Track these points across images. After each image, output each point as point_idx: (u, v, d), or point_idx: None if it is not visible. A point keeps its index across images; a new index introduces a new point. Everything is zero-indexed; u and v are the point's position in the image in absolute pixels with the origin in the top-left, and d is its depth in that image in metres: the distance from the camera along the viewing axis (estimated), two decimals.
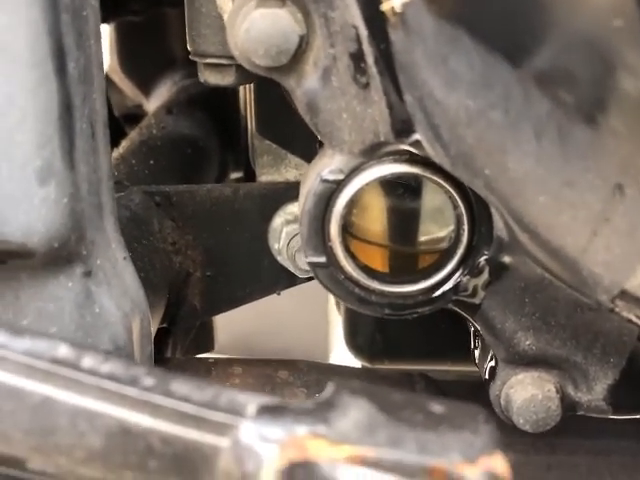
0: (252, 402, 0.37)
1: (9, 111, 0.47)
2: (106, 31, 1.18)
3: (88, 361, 0.39)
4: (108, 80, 1.18)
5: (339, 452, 0.35)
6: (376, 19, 0.47)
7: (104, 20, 1.05)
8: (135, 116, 1.18)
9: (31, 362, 0.39)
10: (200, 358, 0.80)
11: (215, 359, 0.75)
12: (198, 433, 0.37)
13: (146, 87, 1.19)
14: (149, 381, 0.38)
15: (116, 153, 0.86)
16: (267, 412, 0.37)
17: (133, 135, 0.94)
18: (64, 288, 0.52)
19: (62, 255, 0.51)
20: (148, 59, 1.18)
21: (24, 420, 0.39)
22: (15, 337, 0.40)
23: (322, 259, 0.56)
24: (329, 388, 0.38)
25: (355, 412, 0.36)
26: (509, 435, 0.68)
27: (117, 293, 0.54)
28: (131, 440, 0.37)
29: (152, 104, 1.16)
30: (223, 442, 0.37)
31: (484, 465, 0.36)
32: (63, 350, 0.39)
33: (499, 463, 0.36)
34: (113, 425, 0.38)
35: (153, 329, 0.64)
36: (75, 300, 0.52)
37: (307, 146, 0.66)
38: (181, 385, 0.38)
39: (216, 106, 1.04)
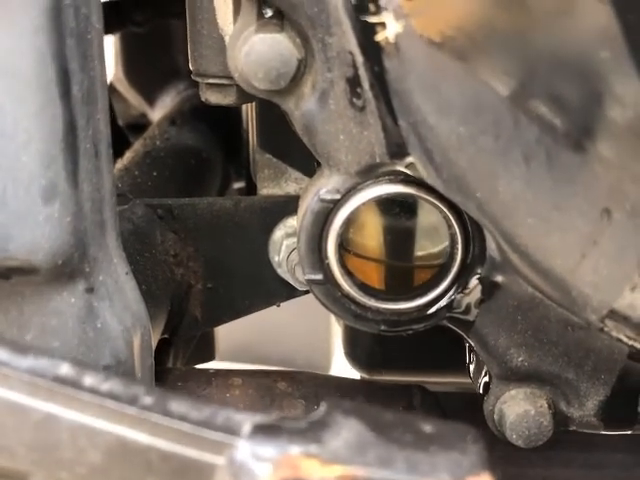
0: (247, 421, 0.39)
1: (15, 133, 0.49)
2: (111, 41, 1.20)
3: (89, 380, 0.40)
4: (113, 89, 1.19)
5: (330, 471, 0.36)
6: (371, 46, 0.48)
7: (109, 31, 1.07)
8: (139, 125, 1.19)
9: (34, 380, 0.40)
10: (201, 369, 0.81)
11: (215, 370, 0.77)
12: (195, 451, 0.38)
13: (150, 96, 1.20)
14: (148, 400, 0.39)
15: (120, 164, 0.87)
16: (261, 431, 0.38)
17: (137, 146, 0.95)
18: (67, 304, 0.53)
19: (65, 271, 0.52)
20: (152, 69, 1.19)
21: (27, 436, 0.40)
22: (19, 355, 0.41)
23: (319, 276, 0.57)
24: (322, 407, 0.39)
25: (347, 432, 0.37)
26: (505, 448, 0.69)
27: (119, 308, 0.55)
28: (130, 456, 0.39)
29: (156, 113, 1.17)
30: (219, 460, 0.38)
31: None
32: (65, 369, 0.40)
33: None
34: (113, 442, 0.39)
35: (154, 340, 0.65)
36: (78, 315, 0.54)
37: (307, 160, 0.67)
38: (179, 404, 0.39)
39: (219, 117, 1.05)
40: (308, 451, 0.36)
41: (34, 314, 0.53)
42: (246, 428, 0.38)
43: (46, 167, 0.49)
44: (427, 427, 0.39)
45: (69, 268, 0.52)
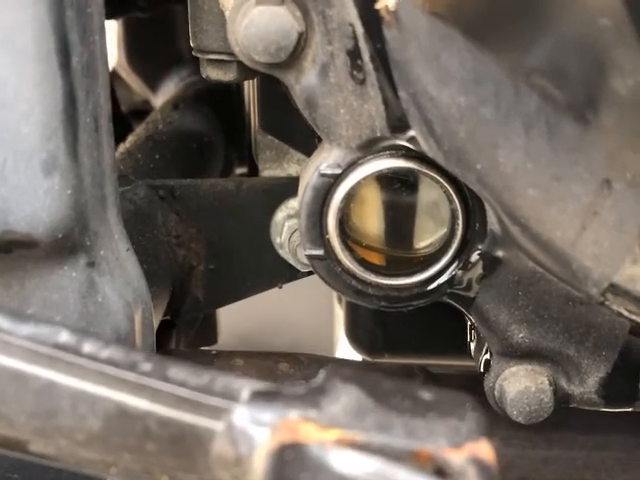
0: (246, 387, 0.39)
1: (15, 104, 0.49)
2: (114, 27, 1.19)
3: (88, 347, 0.40)
4: (116, 76, 1.19)
5: (328, 435, 0.36)
6: (371, 17, 0.48)
7: (111, 16, 1.07)
8: (142, 112, 1.19)
9: (34, 347, 0.40)
10: (202, 350, 0.81)
11: (217, 351, 0.77)
12: (194, 417, 0.38)
13: (153, 83, 1.20)
14: (147, 366, 0.39)
15: (122, 147, 0.87)
16: (260, 397, 0.38)
17: (139, 130, 0.95)
18: (68, 278, 0.53)
19: (66, 245, 0.52)
20: (155, 55, 1.19)
21: (27, 403, 0.40)
22: (19, 323, 0.41)
23: (320, 252, 0.57)
24: (321, 375, 0.39)
25: (345, 398, 0.37)
26: (506, 429, 0.69)
27: (120, 283, 0.55)
28: (129, 423, 0.39)
29: (159, 100, 1.17)
30: (218, 425, 0.38)
31: (469, 450, 0.37)
32: (64, 336, 0.40)
33: (484, 449, 0.37)
34: (112, 408, 0.39)
35: (156, 321, 0.65)
36: (79, 290, 0.54)
37: (309, 142, 0.67)
38: (178, 370, 0.39)
39: (221, 102, 1.05)
40: (306, 415, 0.37)
41: (35, 288, 0.53)
42: (245, 394, 0.38)
43: (47, 139, 0.49)
44: (426, 395, 0.39)
45: (70, 242, 0.52)
